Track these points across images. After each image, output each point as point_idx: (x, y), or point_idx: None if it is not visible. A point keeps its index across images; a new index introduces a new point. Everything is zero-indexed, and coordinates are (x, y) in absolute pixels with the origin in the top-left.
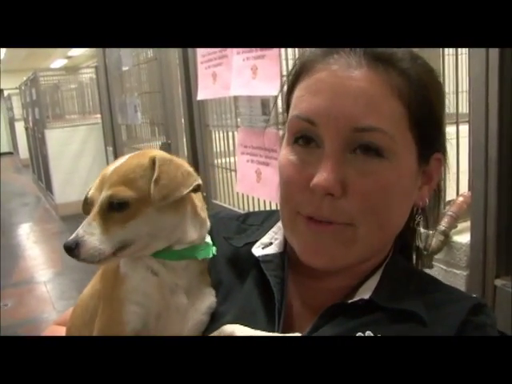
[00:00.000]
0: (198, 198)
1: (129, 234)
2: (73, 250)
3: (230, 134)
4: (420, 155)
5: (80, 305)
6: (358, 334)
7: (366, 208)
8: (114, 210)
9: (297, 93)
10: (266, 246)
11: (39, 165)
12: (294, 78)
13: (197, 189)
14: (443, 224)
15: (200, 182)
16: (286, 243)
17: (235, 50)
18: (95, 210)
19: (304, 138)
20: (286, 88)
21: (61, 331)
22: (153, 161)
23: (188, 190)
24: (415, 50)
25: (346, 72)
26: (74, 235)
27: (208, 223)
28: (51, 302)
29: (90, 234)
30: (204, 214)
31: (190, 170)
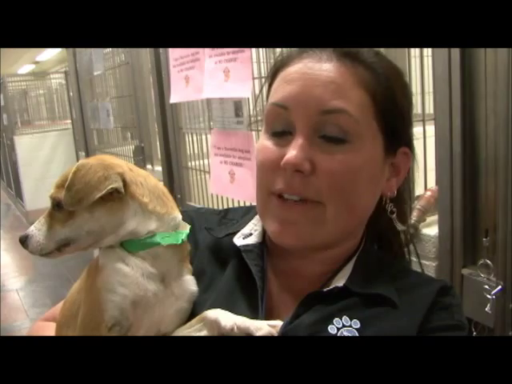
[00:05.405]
0: (152, 196)
1: (68, 232)
2: (23, 242)
3: (204, 136)
4: (386, 146)
5: (69, 300)
6: (335, 320)
7: (334, 187)
8: (57, 209)
9: (274, 86)
10: (247, 236)
11: (8, 172)
12: (273, 74)
13: (115, 192)
14: (413, 218)
15: (117, 185)
16: (264, 234)
17: (207, 53)
18: (49, 208)
19: (279, 132)
20: (259, 89)
21: (48, 327)
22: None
23: (101, 194)
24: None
25: (317, 64)
26: (28, 229)
27: (175, 215)
28: (24, 310)
29: (38, 229)
30: (162, 208)
31: (112, 173)
